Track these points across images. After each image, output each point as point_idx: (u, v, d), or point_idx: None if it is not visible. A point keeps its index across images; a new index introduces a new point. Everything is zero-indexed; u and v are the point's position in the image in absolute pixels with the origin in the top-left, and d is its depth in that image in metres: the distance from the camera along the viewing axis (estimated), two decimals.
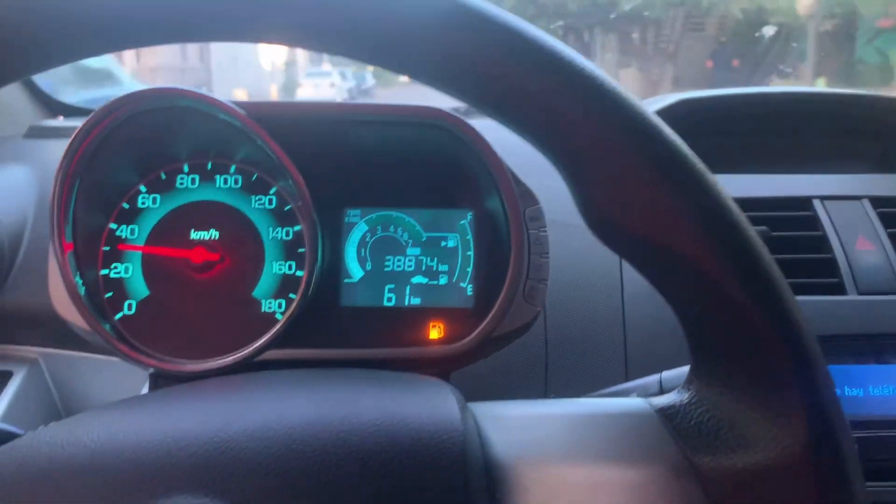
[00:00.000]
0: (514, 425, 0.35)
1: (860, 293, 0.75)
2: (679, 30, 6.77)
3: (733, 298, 0.30)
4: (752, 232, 0.31)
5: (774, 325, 0.30)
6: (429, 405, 0.34)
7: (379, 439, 0.31)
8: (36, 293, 0.77)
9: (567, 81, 0.29)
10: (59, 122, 1.15)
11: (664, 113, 0.90)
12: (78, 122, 1.10)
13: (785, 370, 0.30)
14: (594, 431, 0.35)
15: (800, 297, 0.73)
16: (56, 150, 0.99)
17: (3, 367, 0.81)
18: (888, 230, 0.78)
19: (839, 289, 0.75)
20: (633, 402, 0.37)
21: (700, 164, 0.31)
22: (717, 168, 0.84)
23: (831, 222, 0.79)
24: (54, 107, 1.23)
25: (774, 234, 0.78)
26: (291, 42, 0.30)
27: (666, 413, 0.36)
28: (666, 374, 0.53)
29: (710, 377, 0.34)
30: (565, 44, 0.30)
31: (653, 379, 0.53)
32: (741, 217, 0.31)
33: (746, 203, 0.81)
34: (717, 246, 0.30)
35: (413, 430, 0.32)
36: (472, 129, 0.61)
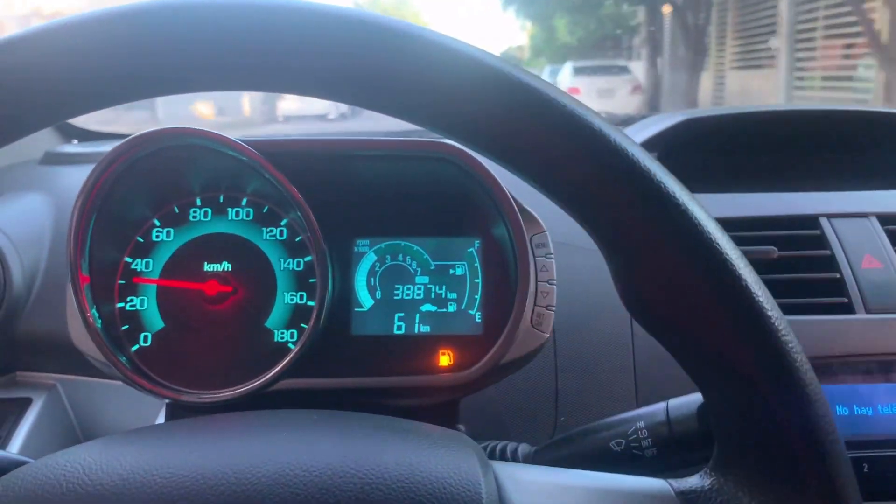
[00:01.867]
0: (534, 491, 0.36)
1: (868, 312, 0.75)
2: None
3: (767, 402, 0.31)
4: (793, 338, 0.32)
5: (805, 437, 0.31)
6: (452, 463, 0.35)
7: (402, 495, 0.32)
8: (54, 321, 0.79)
9: (622, 174, 0.31)
10: (74, 147, 1.17)
11: (669, 132, 0.91)
12: (92, 148, 1.13)
13: (810, 479, 0.31)
14: None
15: (807, 317, 0.74)
16: (71, 176, 1.01)
17: (22, 394, 0.83)
18: None
19: (847, 308, 0.76)
20: (655, 483, 0.37)
21: (751, 273, 0.32)
22: (724, 187, 0.85)
23: (839, 240, 0.79)
24: (68, 131, 1.25)
25: (782, 253, 0.78)
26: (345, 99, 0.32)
27: (687, 497, 0.36)
28: (673, 402, 0.53)
29: (734, 468, 0.35)
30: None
31: (659, 407, 0.53)
32: (784, 325, 0.32)
33: (753, 222, 0.81)
34: (756, 351, 0.31)
35: (435, 487, 0.32)
36: (476, 160, 0.62)
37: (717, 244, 0.31)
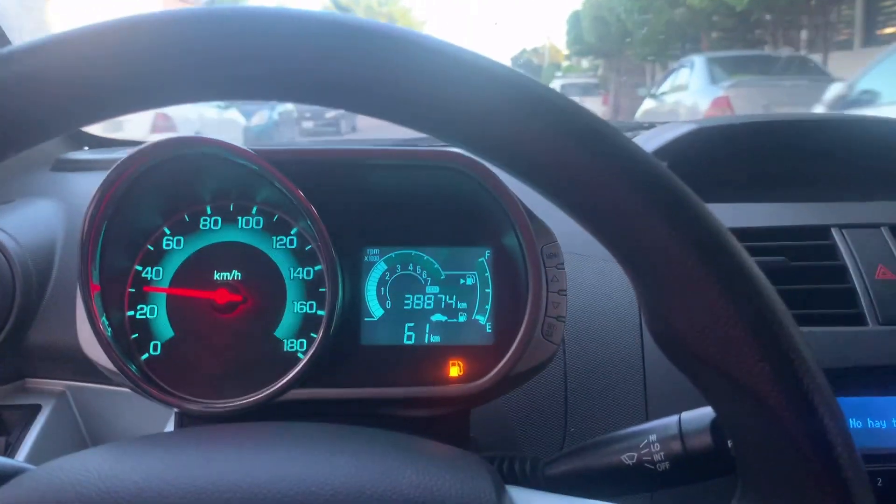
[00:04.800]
0: None
1: (881, 323, 0.74)
2: None
3: (792, 438, 0.31)
4: (820, 374, 0.31)
5: (823, 460, 0.30)
6: (467, 487, 0.35)
7: None
8: (64, 328, 0.79)
9: (660, 203, 0.31)
10: (85, 153, 1.17)
11: (680, 141, 0.91)
12: (102, 154, 1.13)
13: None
14: None
15: (819, 329, 0.73)
16: (82, 183, 1.01)
17: (31, 401, 0.83)
18: None
19: (860, 319, 0.75)
20: None
21: (785, 313, 0.31)
22: (735, 197, 0.85)
23: (850, 251, 0.79)
24: (79, 137, 1.25)
25: (793, 264, 0.78)
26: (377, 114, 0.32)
27: None
28: (685, 415, 0.53)
29: (758, 501, 0.34)
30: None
31: (672, 420, 0.53)
32: (813, 363, 0.31)
33: (764, 233, 0.81)
34: (785, 387, 0.30)
35: None
36: (487, 170, 0.62)
37: (755, 281, 0.31)
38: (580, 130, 0.31)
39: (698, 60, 8.38)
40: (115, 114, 0.32)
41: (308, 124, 12.06)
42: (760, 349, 0.30)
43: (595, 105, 16.10)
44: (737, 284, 0.31)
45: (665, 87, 9.10)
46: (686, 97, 7.97)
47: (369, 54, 0.30)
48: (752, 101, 6.99)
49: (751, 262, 0.32)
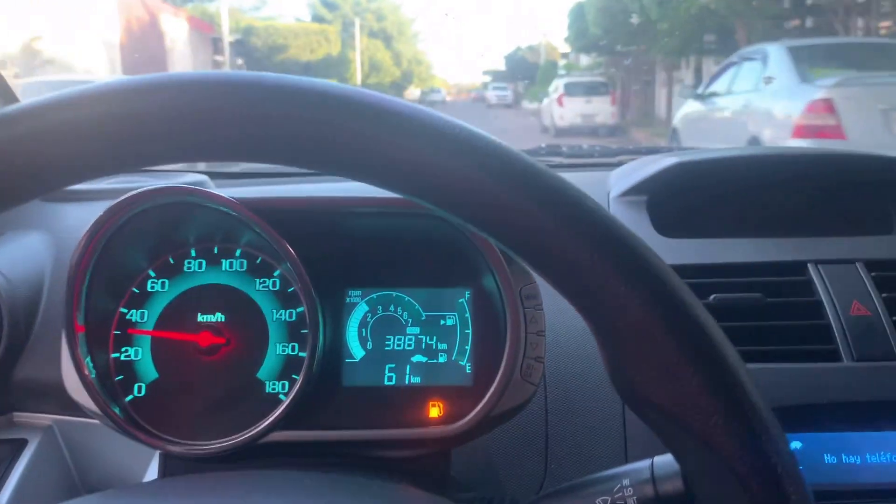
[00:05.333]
0: None
1: (856, 360, 0.76)
2: None
3: (743, 479, 0.32)
4: (782, 436, 0.33)
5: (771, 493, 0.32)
6: None
7: None
8: (52, 364, 0.79)
9: (621, 262, 0.32)
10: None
11: (659, 176, 0.92)
12: (93, 185, 1.13)
13: None
14: None
15: (795, 365, 0.75)
16: (72, 214, 1.02)
17: (17, 435, 0.83)
18: (883, 294, 0.79)
19: (835, 355, 0.76)
20: None
21: (741, 367, 0.33)
22: (714, 232, 0.86)
23: (826, 287, 0.80)
24: None
25: (769, 300, 0.79)
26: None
27: None
28: (657, 459, 0.54)
29: None
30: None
31: (644, 465, 0.54)
32: (772, 424, 0.33)
33: (740, 268, 0.82)
34: (743, 441, 0.32)
35: None
36: None
37: (709, 335, 0.33)
38: (530, 185, 0.32)
39: (775, 51, 5.90)
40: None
41: None
42: (708, 399, 0.32)
43: (604, 105, 15.01)
44: (689, 338, 0.32)
45: (719, 86, 6.73)
46: (760, 100, 5.76)
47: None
48: (865, 104, 4.83)
49: (704, 314, 0.33)
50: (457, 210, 0.34)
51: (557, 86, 15.46)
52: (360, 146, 0.32)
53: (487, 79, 38.91)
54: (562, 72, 25.25)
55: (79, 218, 1.00)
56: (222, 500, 0.40)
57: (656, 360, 0.32)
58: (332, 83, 0.32)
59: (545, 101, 16.59)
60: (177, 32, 18.38)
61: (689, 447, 0.34)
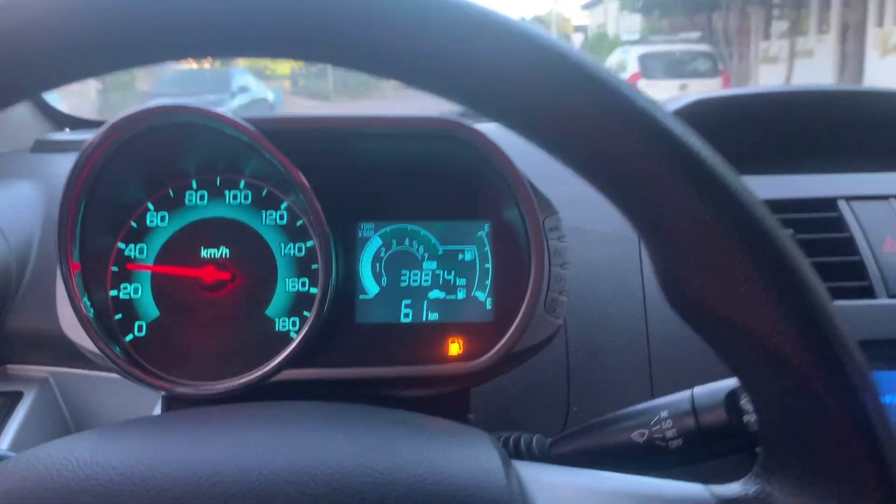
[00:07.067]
0: (561, 495, 0.33)
1: (890, 296, 0.73)
2: None
3: (816, 393, 0.28)
4: (845, 328, 0.29)
5: (859, 432, 0.28)
6: (473, 462, 0.32)
7: (421, 495, 0.29)
8: (45, 313, 0.76)
9: (677, 163, 0.29)
10: (66, 134, 1.14)
11: (681, 113, 0.88)
12: (84, 135, 1.09)
13: (868, 481, 0.28)
14: None
15: None
16: (63, 164, 0.98)
17: (13, 388, 0.80)
18: None
19: (869, 292, 0.73)
20: (694, 489, 0.34)
21: (809, 270, 0.29)
22: (740, 169, 0.82)
23: (858, 223, 0.77)
24: (60, 119, 1.22)
25: (799, 236, 0.76)
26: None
27: None
28: (698, 390, 0.51)
29: (781, 474, 0.32)
30: None
31: (684, 396, 0.51)
32: (835, 311, 0.29)
33: (769, 205, 0.79)
34: (808, 339, 0.28)
35: (456, 488, 0.30)
36: (488, 140, 0.59)
37: (772, 233, 0.29)
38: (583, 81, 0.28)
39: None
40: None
41: None
42: (785, 309, 0.28)
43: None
44: (757, 240, 0.29)
45: None
46: None
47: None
48: None
49: (773, 221, 0.29)
50: (506, 113, 0.30)
51: (625, 60, 11.67)
52: None
53: None
54: (628, 38, 16.95)
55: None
56: (246, 424, 0.36)
57: (720, 265, 0.29)
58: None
59: None
60: None
61: (758, 367, 0.30)
